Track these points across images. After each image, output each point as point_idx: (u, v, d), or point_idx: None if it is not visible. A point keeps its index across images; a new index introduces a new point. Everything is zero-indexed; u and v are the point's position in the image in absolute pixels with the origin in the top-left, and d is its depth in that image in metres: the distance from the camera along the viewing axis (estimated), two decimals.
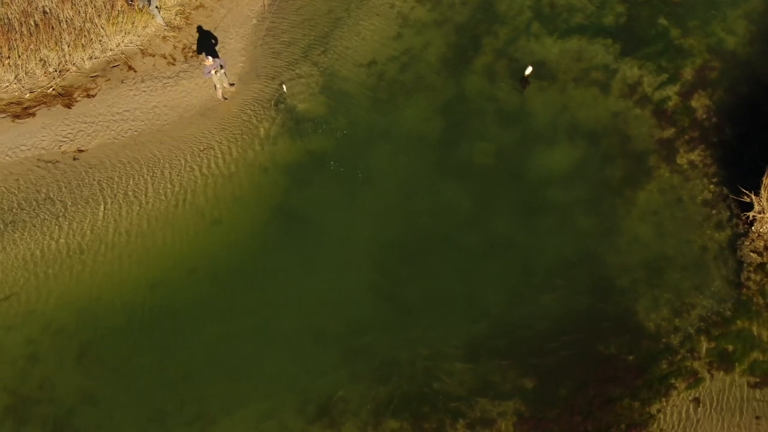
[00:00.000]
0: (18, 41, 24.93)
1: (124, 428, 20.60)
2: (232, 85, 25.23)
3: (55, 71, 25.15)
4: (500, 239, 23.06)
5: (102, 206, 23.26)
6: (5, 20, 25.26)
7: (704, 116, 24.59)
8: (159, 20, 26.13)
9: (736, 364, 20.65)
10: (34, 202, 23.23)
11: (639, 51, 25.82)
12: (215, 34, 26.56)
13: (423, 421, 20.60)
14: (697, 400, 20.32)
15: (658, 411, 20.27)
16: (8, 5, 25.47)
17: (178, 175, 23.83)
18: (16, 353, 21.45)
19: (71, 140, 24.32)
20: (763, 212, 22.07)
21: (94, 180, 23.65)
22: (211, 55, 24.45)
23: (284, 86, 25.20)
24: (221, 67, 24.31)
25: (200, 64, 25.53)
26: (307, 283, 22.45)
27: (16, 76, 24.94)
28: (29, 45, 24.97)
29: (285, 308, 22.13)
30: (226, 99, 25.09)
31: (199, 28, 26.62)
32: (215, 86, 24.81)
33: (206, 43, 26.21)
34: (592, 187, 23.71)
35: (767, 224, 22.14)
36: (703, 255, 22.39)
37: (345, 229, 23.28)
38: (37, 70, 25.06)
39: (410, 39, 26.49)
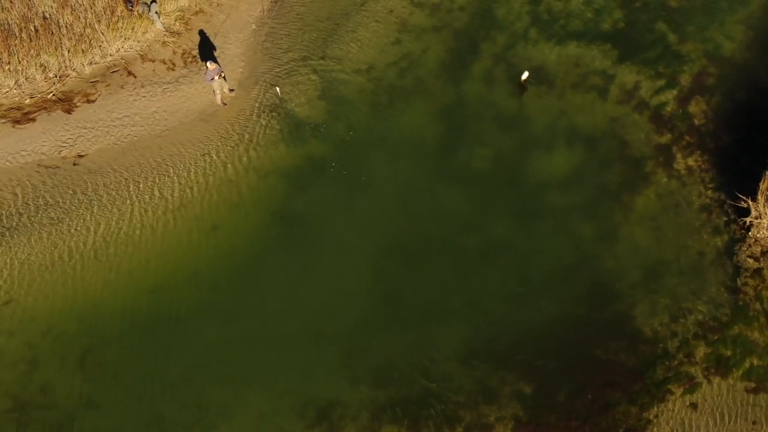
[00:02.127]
0: (18, 47, 24.98)
1: None
2: (231, 90, 25.32)
3: (55, 76, 25.22)
4: (498, 244, 23.14)
5: (103, 211, 23.34)
6: (5, 26, 25.30)
7: (702, 122, 24.67)
8: (159, 26, 26.20)
9: (733, 369, 20.73)
10: (33, 207, 23.30)
11: (637, 56, 25.90)
12: (215, 39, 26.62)
13: (421, 426, 20.68)
14: (694, 405, 20.40)
15: (656, 416, 20.35)
16: (8, 11, 25.50)
17: (177, 179, 23.90)
18: (17, 358, 21.51)
19: (71, 145, 24.39)
20: (760, 218, 22.14)
21: (90, 185, 23.71)
22: (212, 61, 24.52)
23: (278, 88, 25.30)
24: (221, 72, 24.41)
25: (199, 69, 25.62)
26: (306, 287, 22.52)
27: (16, 82, 24.99)
28: (29, 50, 25.02)
29: (284, 312, 22.20)
30: (225, 104, 25.17)
31: (201, 33, 26.69)
32: (215, 91, 24.90)
33: (207, 49, 26.29)
34: (590, 192, 23.80)
35: (764, 229, 22.21)
36: (701, 260, 22.47)
37: (344, 234, 23.35)
38: (37, 76, 25.11)
39: (409, 44, 26.58)
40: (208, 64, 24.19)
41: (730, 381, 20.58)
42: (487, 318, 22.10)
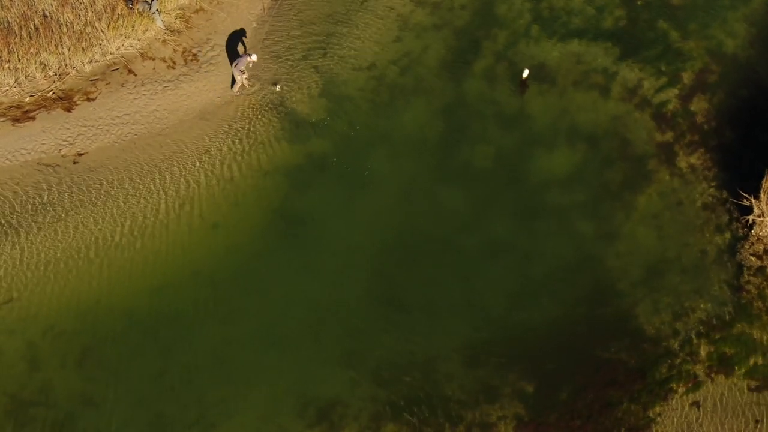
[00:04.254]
0: (18, 45, 24.92)
1: None
2: (251, 84, 25.33)
3: (55, 75, 25.16)
4: (500, 243, 23.10)
5: (102, 210, 23.30)
6: (5, 24, 25.25)
7: (704, 119, 24.61)
8: (159, 24, 26.14)
9: (736, 367, 20.68)
10: (34, 206, 23.26)
11: (639, 54, 25.85)
12: (215, 37, 26.55)
13: (423, 425, 20.62)
14: (696, 404, 20.34)
15: (658, 415, 20.29)
16: (8, 9, 25.44)
17: (177, 178, 23.86)
18: (17, 357, 21.45)
19: (71, 144, 24.34)
20: (763, 216, 22.09)
21: (88, 183, 23.67)
22: (244, 54, 24.63)
23: (278, 86, 25.29)
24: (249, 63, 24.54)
25: (200, 68, 25.63)
26: (306, 286, 22.49)
27: (16, 80, 24.94)
28: (29, 49, 24.95)
29: (285, 312, 22.16)
30: (239, 93, 25.12)
31: (235, 33, 26.61)
32: (235, 81, 24.95)
33: (236, 42, 26.26)
34: (591, 190, 23.75)
35: (767, 227, 22.16)
36: (703, 258, 22.42)
37: (345, 233, 23.32)
38: (37, 74, 25.05)
39: (410, 42, 26.52)
40: (253, 56, 24.39)
41: (733, 379, 20.53)
42: (488, 317, 22.06)
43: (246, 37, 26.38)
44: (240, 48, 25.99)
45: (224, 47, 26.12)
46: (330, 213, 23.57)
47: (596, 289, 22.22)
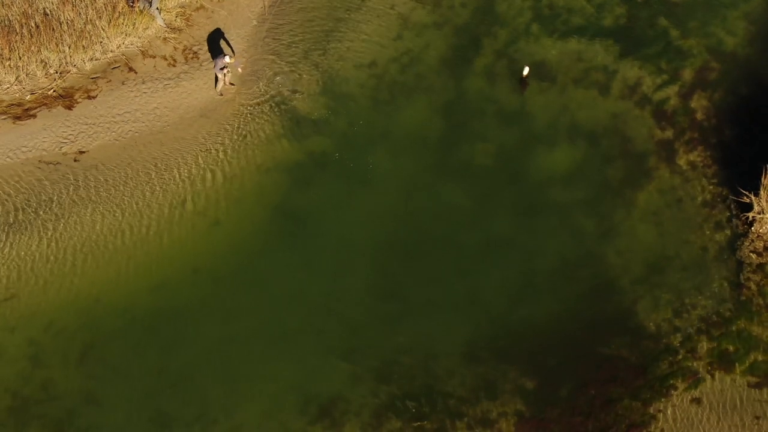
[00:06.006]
0: (19, 43, 24.93)
1: (125, 429, 20.63)
2: (231, 84, 25.29)
3: (56, 73, 25.17)
4: (500, 240, 23.12)
5: (102, 209, 23.31)
6: (6, 22, 25.26)
7: (704, 117, 24.64)
8: (160, 22, 26.15)
9: (737, 364, 20.72)
10: (35, 204, 23.27)
11: (639, 52, 25.88)
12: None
13: (423, 421, 20.63)
14: (697, 401, 20.38)
15: (659, 411, 20.32)
16: (9, 7, 25.45)
17: (178, 176, 23.86)
18: (18, 354, 21.44)
19: (72, 142, 24.34)
20: (763, 213, 22.12)
21: (87, 180, 23.67)
22: (229, 55, 24.57)
23: (279, 84, 25.33)
24: (226, 66, 24.46)
25: (200, 65, 25.63)
26: (307, 283, 22.50)
27: (16, 78, 24.94)
28: (30, 46, 24.96)
29: (286, 309, 22.18)
30: (222, 95, 25.09)
31: (217, 30, 26.61)
32: (217, 80, 24.86)
33: (218, 42, 26.20)
34: (592, 187, 23.77)
35: (767, 225, 22.18)
36: (703, 255, 22.45)
37: (345, 230, 23.33)
38: (37, 72, 25.06)
39: (410, 40, 26.53)
40: (227, 58, 24.25)
41: (733, 376, 20.57)
42: (488, 314, 22.09)
43: (226, 37, 26.25)
44: (226, 48, 25.90)
45: (222, 45, 26.17)
46: (331, 210, 23.57)
47: (597, 285, 22.25)
